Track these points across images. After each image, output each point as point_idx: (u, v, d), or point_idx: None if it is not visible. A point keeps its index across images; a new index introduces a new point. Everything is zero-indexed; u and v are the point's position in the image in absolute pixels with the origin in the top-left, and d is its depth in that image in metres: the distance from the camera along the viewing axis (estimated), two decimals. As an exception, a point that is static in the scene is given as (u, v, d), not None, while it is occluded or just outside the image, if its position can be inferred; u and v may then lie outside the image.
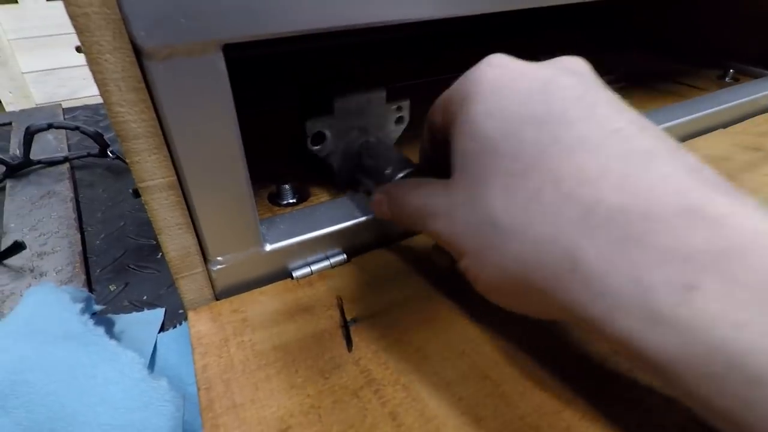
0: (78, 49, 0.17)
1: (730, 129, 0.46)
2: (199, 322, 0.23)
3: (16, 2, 1.43)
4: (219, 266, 0.23)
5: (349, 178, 0.30)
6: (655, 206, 0.13)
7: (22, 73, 1.41)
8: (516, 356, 0.20)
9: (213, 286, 0.24)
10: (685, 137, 0.43)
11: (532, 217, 0.15)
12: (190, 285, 0.23)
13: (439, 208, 0.18)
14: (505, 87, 0.17)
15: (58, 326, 0.26)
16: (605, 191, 0.14)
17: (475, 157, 0.16)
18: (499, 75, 0.17)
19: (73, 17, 0.15)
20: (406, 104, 0.30)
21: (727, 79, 0.57)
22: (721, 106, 0.45)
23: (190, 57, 0.17)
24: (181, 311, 0.36)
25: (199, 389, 0.19)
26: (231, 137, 0.20)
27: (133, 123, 0.18)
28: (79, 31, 0.15)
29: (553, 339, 0.21)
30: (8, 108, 1.40)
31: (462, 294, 0.24)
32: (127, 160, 0.19)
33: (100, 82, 0.16)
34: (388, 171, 0.26)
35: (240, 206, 0.22)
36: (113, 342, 0.26)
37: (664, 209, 0.13)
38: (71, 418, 0.23)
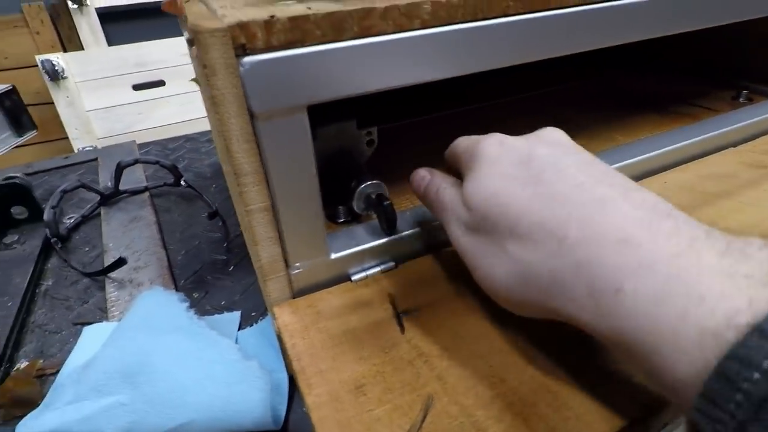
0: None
1: (740, 147, 0.49)
2: (283, 315, 0.29)
3: (83, 49, 1.59)
4: (297, 270, 0.30)
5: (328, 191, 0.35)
6: (601, 239, 0.19)
7: (86, 111, 1.56)
8: (531, 334, 0.25)
9: (291, 287, 0.31)
10: (695, 157, 0.47)
11: (526, 248, 0.21)
12: (275, 285, 0.30)
13: (459, 222, 0.25)
14: (501, 157, 0.24)
15: (170, 320, 0.33)
16: (571, 230, 0.20)
17: (483, 202, 0.23)
18: (496, 149, 0.24)
19: (214, 96, 0.22)
20: (374, 130, 0.36)
21: (741, 99, 0.59)
22: (731, 127, 0.49)
23: (285, 117, 0.24)
24: (254, 313, 0.43)
25: (292, 360, 0.25)
26: (310, 173, 0.27)
27: (246, 164, 0.25)
28: (218, 104, 0.22)
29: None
30: (74, 144, 1.55)
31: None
32: (238, 190, 0.25)
33: (227, 137, 0.23)
34: (353, 184, 0.33)
35: (314, 224, 0.29)
36: (213, 332, 0.33)
37: (607, 240, 0.19)
38: (184, 390, 0.30)
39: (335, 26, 0.22)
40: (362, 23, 0.23)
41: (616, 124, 0.54)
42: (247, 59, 0.22)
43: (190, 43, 0.22)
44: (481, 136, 0.26)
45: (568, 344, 0.25)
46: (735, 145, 0.50)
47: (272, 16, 0.21)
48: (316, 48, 0.23)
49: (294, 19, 0.21)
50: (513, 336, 0.26)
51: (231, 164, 0.24)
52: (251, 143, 0.24)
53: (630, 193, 0.20)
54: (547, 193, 0.21)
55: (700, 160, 0.47)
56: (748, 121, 0.50)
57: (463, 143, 0.27)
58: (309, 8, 0.22)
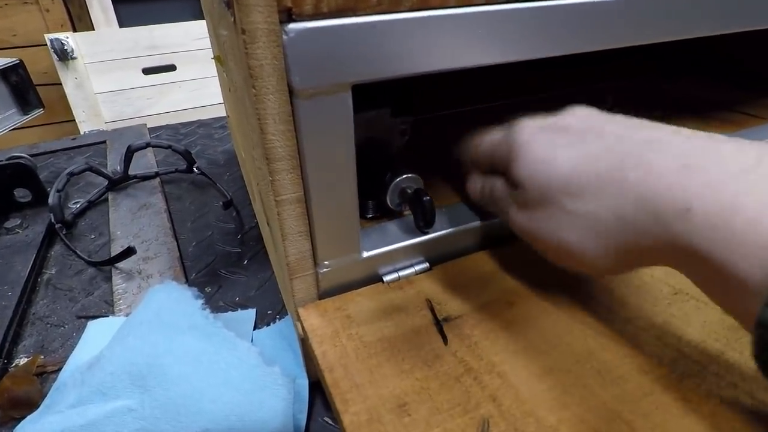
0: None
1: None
2: (310, 317, 0.26)
3: (94, 29, 1.56)
4: (325, 269, 0.27)
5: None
6: (663, 170, 0.19)
7: (95, 93, 1.53)
8: (593, 354, 0.23)
9: (318, 287, 0.28)
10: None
11: (585, 200, 0.21)
12: (302, 284, 0.27)
13: (512, 205, 0.25)
14: (537, 134, 0.24)
15: (184, 318, 0.31)
16: (628, 172, 0.20)
17: (530, 174, 0.23)
18: (530, 130, 0.24)
19: (251, 67, 0.19)
20: (408, 119, 0.33)
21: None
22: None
23: (327, 95, 0.21)
24: (270, 312, 0.40)
25: (323, 370, 0.22)
26: (349, 161, 0.24)
27: (280, 148, 0.22)
28: (255, 77, 0.19)
29: (629, 340, 0.23)
30: (81, 127, 1.52)
31: (535, 300, 0.27)
32: (269, 178, 0.23)
33: (262, 116, 0.21)
34: (387, 177, 0.31)
35: (347, 218, 0.26)
36: (231, 333, 0.30)
37: (669, 170, 0.19)
38: (199, 395, 0.27)
39: (392, -6, 0.20)
40: (422, -8, 0.20)
41: (656, 125, 0.50)
42: (292, 26, 0.19)
43: (228, 5, 0.19)
44: (506, 126, 0.26)
45: (647, 365, 0.22)
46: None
47: (322, -22, 0.18)
48: (370, 18, 0.20)
49: (347, -17, 0.19)
50: (573, 351, 0.23)
51: (263, 147, 0.22)
52: (288, 124, 0.21)
53: (678, 130, 0.21)
54: (593, 149, 0.21)
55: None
56: (798, 127, 0.47)
57: (487, 141, 0.27)
58: (362, -28, 0.20)
